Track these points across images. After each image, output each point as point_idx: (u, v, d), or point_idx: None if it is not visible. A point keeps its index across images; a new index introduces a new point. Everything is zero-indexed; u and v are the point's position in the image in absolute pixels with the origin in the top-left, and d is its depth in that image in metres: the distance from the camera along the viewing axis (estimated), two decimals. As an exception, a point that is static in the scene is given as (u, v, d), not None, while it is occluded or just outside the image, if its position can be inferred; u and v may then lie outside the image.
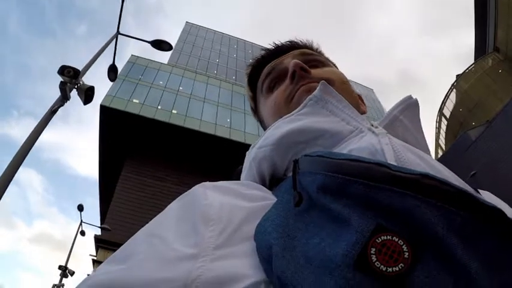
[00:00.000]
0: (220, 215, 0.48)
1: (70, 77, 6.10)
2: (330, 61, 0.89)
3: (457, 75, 34.61)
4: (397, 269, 0.32)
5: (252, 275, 0.41)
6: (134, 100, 25.69)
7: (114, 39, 8.64)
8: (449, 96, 34.48)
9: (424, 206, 0.34)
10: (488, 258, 0.32)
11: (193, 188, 0.56)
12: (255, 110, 0.96)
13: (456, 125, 32.98)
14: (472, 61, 36.38)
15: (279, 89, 0.80)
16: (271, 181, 0.66)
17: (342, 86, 0.76)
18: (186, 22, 50.70)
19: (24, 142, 5.67)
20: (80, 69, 6.32)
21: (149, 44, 9.07)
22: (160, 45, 9.19)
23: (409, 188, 0.35)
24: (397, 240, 0.33)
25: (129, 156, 25.33)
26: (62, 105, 6.16)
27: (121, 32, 8.65)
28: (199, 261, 0.42)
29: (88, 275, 0.48)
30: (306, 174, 0.46)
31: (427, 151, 0.68)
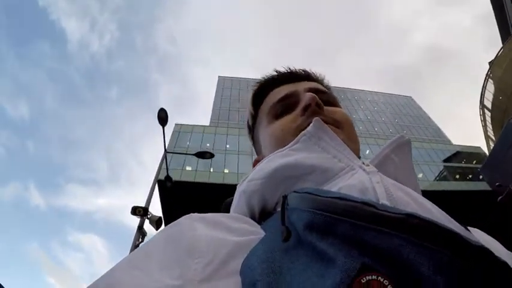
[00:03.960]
0: (206, 247, 0.47)
1: (141, 215, 7.68)
2: (338, 101, 0.88)
3: (490, 63, 34.35)
4: None
5: None
6: (187, 168, 27.05)
7: (164, 159, 10.36)
8: (487, 87, 34.18)
9: (410, 246, 0.33)
10: None
11: (180, 219, 0.56)
12: (252, 129, 0.94)
13: (500, 114, 32.58)
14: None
15: (287, 118, 0.79)
16: (261, 215, 0.66)
17: (348, 130, 0.76)
18: (219, 76, 52.67)
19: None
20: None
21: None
22: (204, 155, 11.33)
23: (395, 227, 0.35)
24: (382, 280, 0.32)
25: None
26: (143, 240, 7.56)
27: (167, 150, 10.36)
28: None
29: None
30: (294, 210, 0.46)
31: (418, 190, 0.68)
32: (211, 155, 11.03)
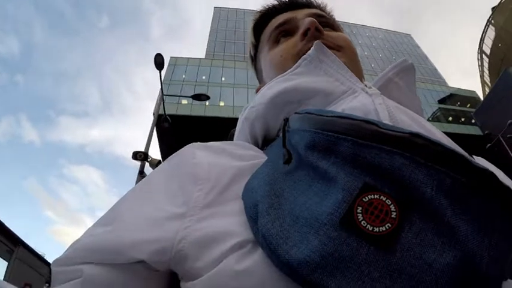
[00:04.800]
0: (208, 174, 0.48)
1: (142, 159, 7.91)
2: (340, 27, 0.85)
3: (492, 8, 33.81)
4: (383, 228, 0.32)
5: (239, 234, 0.41)
6: (183, 101, 27.13)
7: (161, 103, 10.45)
8: (487, 33, 33.84)
9: (414, 165, 0.33)
10: (478, 220, 0.31)
11: (182, 148, 0.56)
12: (254, 59, 0.92)
13: (498, 61, 32.57)
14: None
15: (287, 43, 0.76)
16: (264, 141, 0.66)
17: (350, 54, 0.74)
18: (215, 7, 50.95)
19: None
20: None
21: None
22: (200, 97, 11.35)
23: (398, 146, 0.35)
24: (384, 199, 0.33)
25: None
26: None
27: (164, 93, 10.42)
28: (186, 220, 0.43)
29: None
30: (296, 132, 0.46)
31: (421, 114, 0.68)
32: (207, 97, 11.10)
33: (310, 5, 0.86)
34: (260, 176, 0.45)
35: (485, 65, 34.88)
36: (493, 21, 33.66)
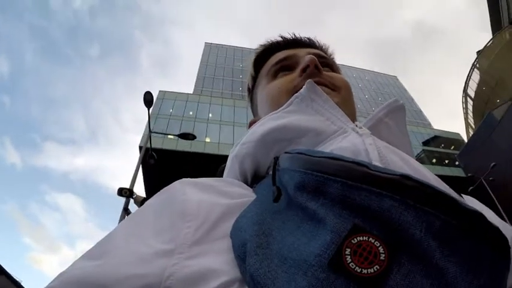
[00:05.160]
0: (197, 211, 0.48)
1: (127, 196, 7.76)
2: (340, 70, 0.89)
3: (477, 52, 34.74)
4: (372, 270, 0.31)
5: (226, 273, 0.41)
6: (169, 136, 27.25)
7: (148, 138, 10.36)
8: (471, 76, 34.64)
9: (402, 207, 0.33)
10: (467, 262, 0.31)
11: (172, 184, 0.56)
12: (251, 91, 0.93)
13: (482, 104, 33.14)
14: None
15: (285, 78, 0.78)
16: (254, 179, 0.66)
17: (345, 95, 0.75)
18: (205, 43, 51.97)
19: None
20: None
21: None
22: (187, 136, 11.40)
23: (387, 188, 0.35)
24: (373, 241, 0.32)
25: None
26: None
27: (151, 126, 10.28)
28: (174, 258, 0.43)
29: None
30: (286, 171, 0.46)
31: (411, 154, 0.68)
32: (194, 137, 11.22)
33: (312, 45, 0.89)
34: (249, 215, 0.45)
35: (470, 107, 35.52)
36: (477, 65, 34.55)
